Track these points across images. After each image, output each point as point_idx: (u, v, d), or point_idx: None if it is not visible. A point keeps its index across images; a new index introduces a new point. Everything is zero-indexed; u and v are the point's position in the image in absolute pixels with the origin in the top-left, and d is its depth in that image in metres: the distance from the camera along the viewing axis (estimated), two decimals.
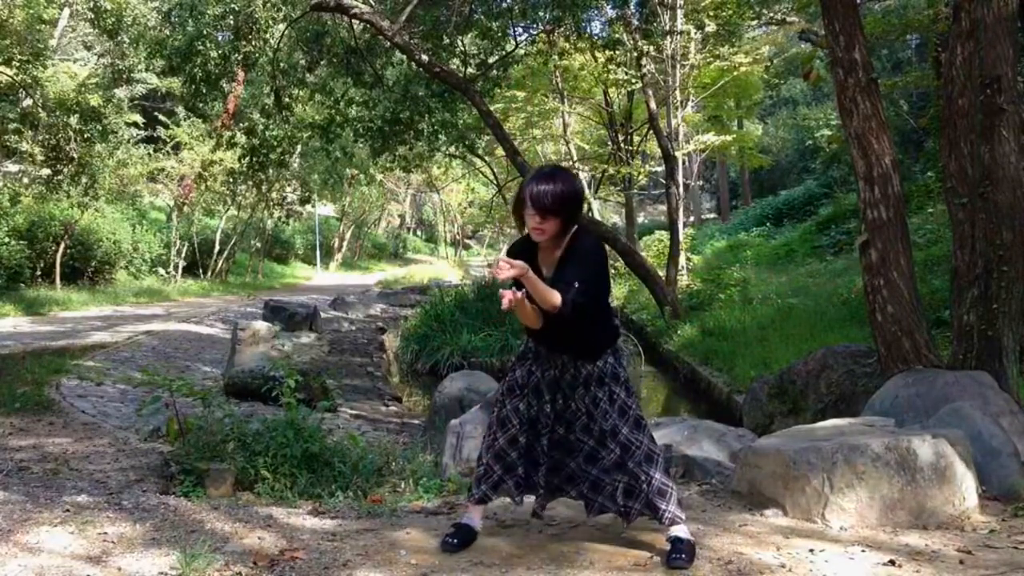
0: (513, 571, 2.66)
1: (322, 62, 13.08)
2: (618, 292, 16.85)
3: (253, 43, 10.72)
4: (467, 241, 48.13)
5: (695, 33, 14.89)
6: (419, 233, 50.61)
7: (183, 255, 19.88)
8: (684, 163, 17.39)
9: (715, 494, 3.63)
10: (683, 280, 14.32)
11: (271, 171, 16.31)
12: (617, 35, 13.98)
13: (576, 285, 2.62)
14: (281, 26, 11.01)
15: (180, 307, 15.64)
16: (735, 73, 16.74)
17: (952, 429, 3.45)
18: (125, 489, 3.65)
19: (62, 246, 15.64)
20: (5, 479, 3.76)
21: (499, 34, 12.37)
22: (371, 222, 39.12)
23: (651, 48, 14.25)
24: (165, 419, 4.90)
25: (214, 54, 10.44)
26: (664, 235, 17.92)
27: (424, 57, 11.02)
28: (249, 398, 7.06)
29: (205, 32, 10.38)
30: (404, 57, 12.21)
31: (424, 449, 4.71)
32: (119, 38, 15.95)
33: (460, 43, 12.29)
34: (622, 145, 18.79)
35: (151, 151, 19.49)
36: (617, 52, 14.25)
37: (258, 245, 24.76)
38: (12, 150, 15.90)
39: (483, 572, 2.65)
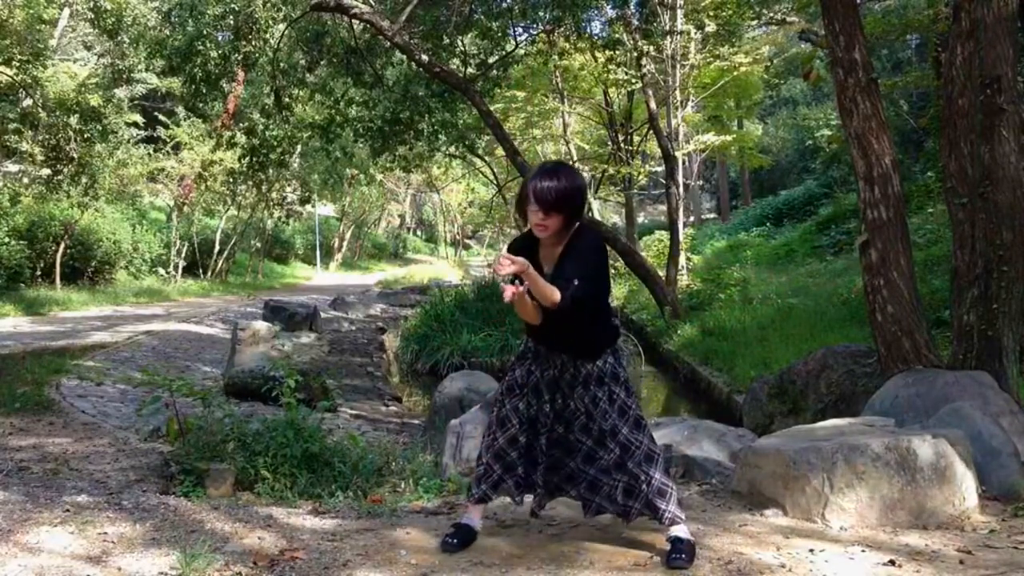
0: (513, 571, 2.66)
1: (322, 62, 13.08)
2: (618, 292, 16.85)
3: (253, 43, 10.72)
4: (467, 241, 48.13)
5: (695, 33, 14.89)
6: (419, 233, 50.62)
7: (183, 255, 19.88)
8: (684, 163, 17.39)
9: (715, 494, 3.63)
10: (683, 280, 14.32)
11: (271, 171, 16.31)
12: (617, 35, 13.98)
13: (576, 282, 2.62)
14: (281, 26, 11.01)
15: (180, 307, 15.64)
16: (735, 73, 16.74)
17: (952, 429, 3.45)
18: (125, 489, 3.65)
19: (62, 246, 15.65)
20: (5, 479, 3.76)
21: (499, 34, 12.37)
22: (371, 222, 39.13)
23: (651, 48, 14.25)
24: (165, 419, 4.89)
25: (214, 54, 10.44)
26: (664, 235, 17.92)
27: (424, 57, 11.02)
28: (249, 398, 7.06)
29: (205, 32, 10.38)
30: (404, 57, 12.21)
31: (424, 449, 4.71)
32: (119, 38, 15.96)
33: (460, 43, 12.29)
34: (622, 145, 18.80)
35: (151, 151, 19.50)
36: (617, 52, 14.25)
37: (258, 245, 24.76)
38: (12, 150, 15.90)
39: (483, 572, 2.65)
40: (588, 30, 14.84)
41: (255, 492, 3.68)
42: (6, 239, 14.41)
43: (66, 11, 18.84)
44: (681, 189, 15.02)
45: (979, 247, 4.53)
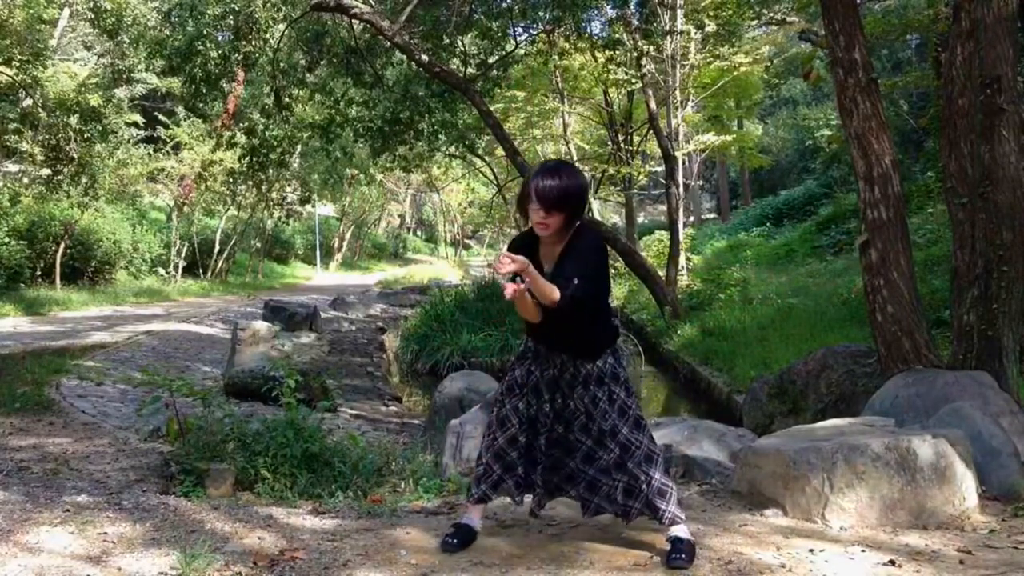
0: (513, 571, 2.66)
1: (322, 62, 13.08)
2: (618, 292, 16.85)
3: (253, 43, 10.72)
4: (467, 241, 48.13)
5: (695, 33, 14.89)
6: (419, 233, 50.62)
7: (183, 255, 19.88)
8: (684, 163, 17.39)
9: (715, 494, 3.63)
10: (683, 280, 14.32)
11: (271, 171, 16.31)
12: (617, 35, 13.98)
13: (575, 281, 2.62)
14: (281, 26, 11.01)
15: (180, 307, 15.64)
16: (735, 73, 16.74)
17: (952, 429, 3.45)
18: (125, 489, 3.65)
19: (62, 246, 15.65)
20: (5, 479, 3.76)
21: (499, 34, 12.37)
22: (371, 222, 39.13)
23: (651, 48, 14.25)
24: (165, 419, 4.89)
25: (214, 54, 10.44)
26: (664, 235, 17.92)
27: (424, 57, 11.02)
28: (249, 398, 7.06)
29: (205, 32, 10.38)
30: (404, 57, 12.21)
31: (424, 449, 4.71)
32: (119, 38, 15.95)
33: (460, 43, 12.29)
34: (622, 145, 18.80)
35: (151, 151, 19.49)
36: (617, 52, 14.25)
37: (258, 245, 24.76)
38: (12, 150, 15.90)
39: (483, 572, 2.65)
40: (588, 30, 14.86)
41: (255, 492, 3.68)
42: (6, 239, 14.41)
43: (66, 11, 18.84)
44: (681, 189, 15.02)
45: (979, 247, 4.53)
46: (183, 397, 4.31)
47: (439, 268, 31.58)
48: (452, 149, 18.18)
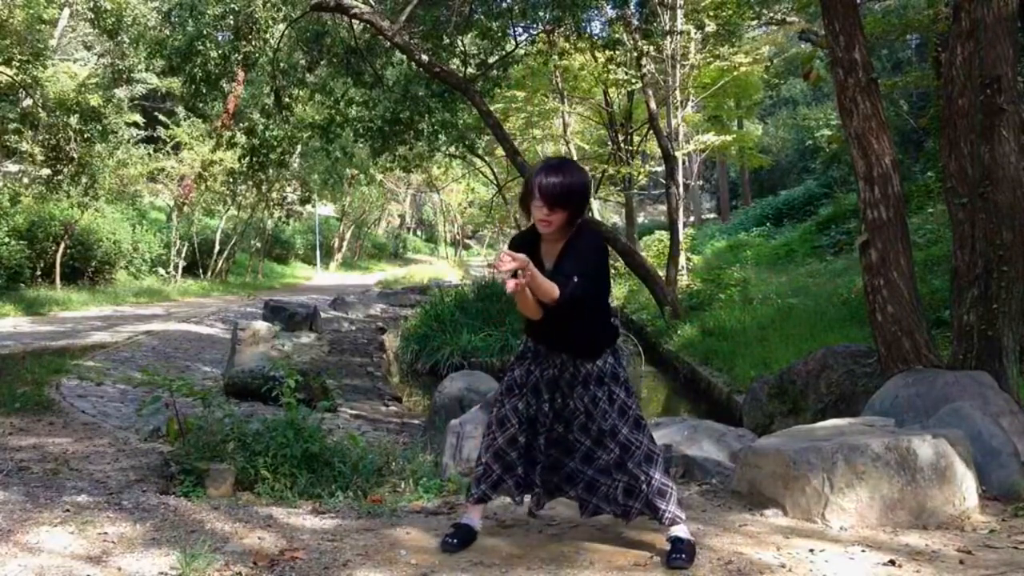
0: (513, 571, 2.66)
1: (322, 62, 13.08)
2: (618, 292, 16.85)
3: (253, 43, 10.72)
4: (467, 241, 48.15)
5: (695, 33, 14.89)
6: (419, 233, 50.62)
7: (183, 255, 19.88)
8: (684, 163, 17.39)
9: (715, 494, 3.63)
10: (683, 280, 14.32)
11: (271, 171, 16.31)
12: (617, 35, 13.97)
13: (575, 279, 2.62)
14: (281, 26, 11.01)
15: (180, 307, 15.64)
16: (735, 73, 16.75)
17: (952, 429, 3.45)
18: (125, 489, 3.65)
19: (62, 246, 15.65)
20: (5, 479, 3.75)
21: (499, 34, 12.37)
22: (371, 222, 39.13)
23: (651, 48, 14.25)
24: (165, 419, 4.89)
25: (214, 54, 10.44)
26: (664, 235, 17.92)
27: (424, 57, 11.02)
28: (249, 398, 7.06)
29: (205, 32, 10.38)
30: (404, 57, 12.21)
31: (424, 449, 4.71)
32: (119, 38, 15.94)
33: (460, 43, 12.29)
34: (622, 145, 18.80)
35: (151, 151, 19.50)
36: (617, 52, 14.25)
37: (258, 245, 24.76)
38: (12, 150, 15.90)
39: (483, 572, 2.65)
40: (588, 30, 14.85)
41: (255, 492, 3.68)
42: (6, 239, 14.41)
43: (66, 11, 18.84)
44: (681, 189, 15.02)
45: (979, 247, 4.53)
46: (183, 397, 4.31)
47: (439, 268, 31.58)
48: (452, 149, 18.19)
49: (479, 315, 11.84)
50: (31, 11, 14.48)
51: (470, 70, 12.40)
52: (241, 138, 13.20)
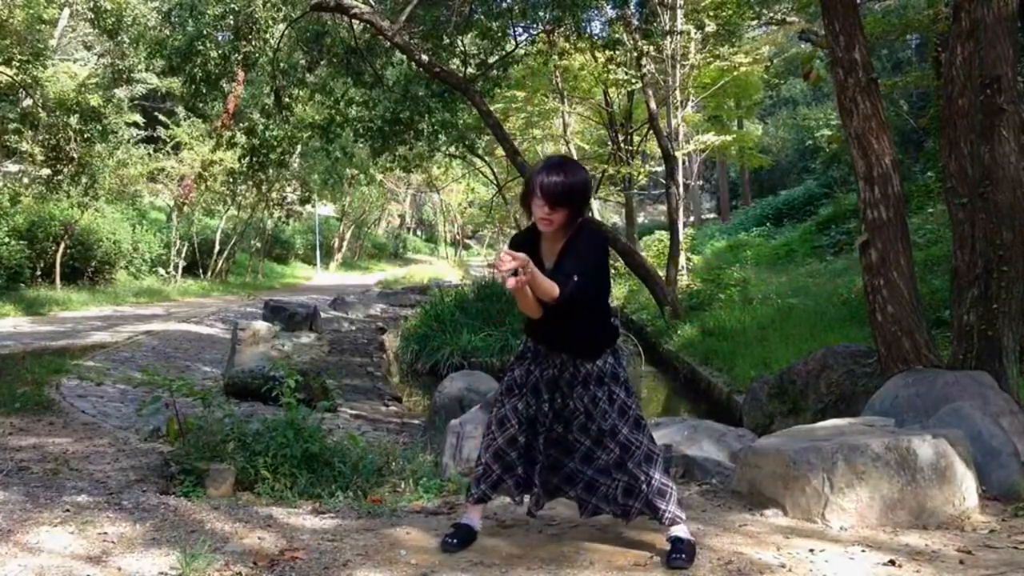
0: (513, 571, 2.66)
1: (322, 62, 13.08)
2: (618, 292, 16.85)
3: (253, 43, 10.72)
4: (467, 241, 48.16)
5: (695, 33, 14.89)
6: (419, 233, 50.63)
7: (183, 255, 19.88)
8: (684, 163, 17.39)
9: (715, 494, 3.63)
10: (683, 280, 14.32)
11: (271, 171, 16.31)
12: (617, 35, 13.97)
13: (575, 278, 2.62)
14: (281, 26, 11.01)
15: (180, 307, 15.64)
16: (735, 73, 16.75)
17: (952, 429, 3.45)
18: (125, 489, 3.65)
19: (62, 246, 15.65)
20: (5, 479, 3.75)
21: (499, 34, 12.36)
22: (371, 222, 39.13)
23: (651, 48, 14.25)
24: (165, 419, 4.89)
25: (214, 54, 10.44)
26: (664, 235, 17.92)
27: (424, 57, 11.02)
28: (249, 398, 7.06)
29: (205, 32, 10.38)
30: (404, 57, 12.21)
31: (424, 449, 4.71)
32: (119, 38, 15.95)
33: (460, 43, 12.29)
34: (622, 145, 18.79)
35: (151, 151, 19.50)
36: (617, 52, 14.25)
37: (258, 245, 24.76)
38: (12, 150, 15.90)
39: (483, 572, 2.65)
40: (588, 30, 14.85)
41: (255, 492, 3.68)
42: (6, 239, 14.41)
43: (66, 11, 18.84)
44: (681, 189, 15.02)
45: (979, 247, 4.53)
46: (183, 397, 4.31)
47: (439, 268, 31.59)
48: (452, 149, 18.18)
49: (479, 315, 11.84)
50: (31, 11, 14.48)
51: (470, 70, 12.40)
52: (241, 138, 13.20)
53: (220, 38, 11.09)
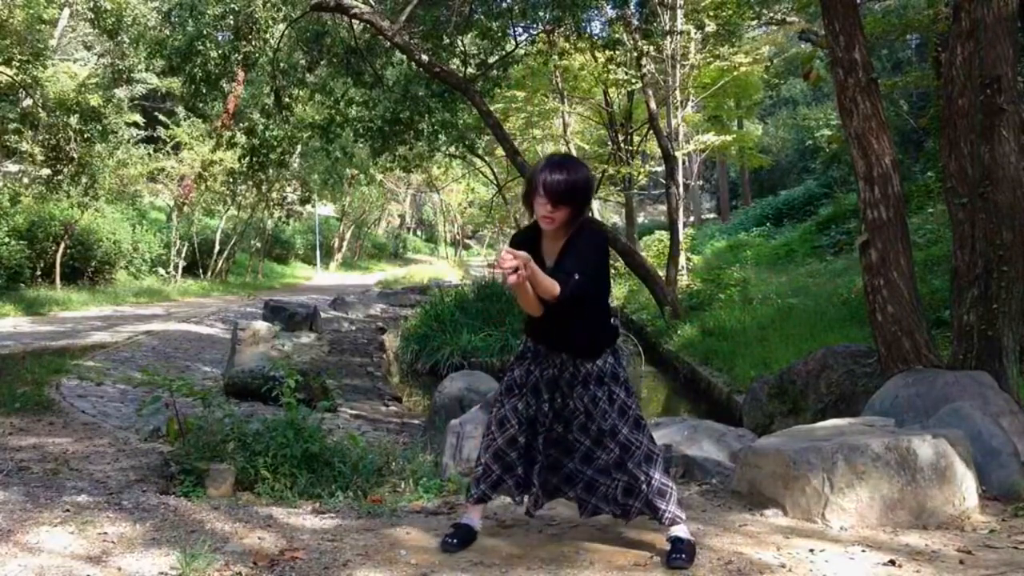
0: (513, 571, 2.66)
1: (322, 62, 13.08)
2: (618, 292, 16.85)
3: (253, 43, 10.72)
4: (467, 241, 48.16)
5: (695, 33, 14.89)
6: (419, 233, 50.63)
7: (183, 255, 19.88)
8: (684, 163, 17.39)
9: (715, 494, 3.63)
10: (683, 280, 14.32)
11: (271, 171, 16.31)
12: (617, 35, 13.98)
13: (576, 277, 2.62)
14: (281, 26, 11.01)
15: (180, 307, 15.64)
16: (735, 73, 16.75)
17: (952, 429, 3.45)
18: (125, 489, 3.65)
19: (62, 246, 15.65)
20: (5, 479, 3.75)
21: (499, 34, 12.37)
22: (371, 222, 39.13)
23: (651, 48, 14.25)
24: (165, 419, 4.89)
25: (214, 54, 10.44)
26: (664, 235, 17.92)
27: (424, 57, 11.02)
28: (249, 398, 7.06)
29: (205, 32, 10.38)
30: (404, 57, 12.21)
31: (424, 449, 4.71)
32: (119, 38, 15.94)
33: (460, 43, 12.29)
34: (622, 145, 18.79)
35: (151, 151, 19.50)
36: (617, 52, 14.25)
37: (258, 245, 24.77)
38: (12, 150, 15.90)
39: (483, 572, 2.65)
40: (588, 30, 14.85)
41: (255, 492, 3.68)
42: (6, 239, 14.41)
43: (66, 11, 18.84)
44: (681, 189, 15.02)
45: (979, 247, 4.53)
46: (183, 397, 4.31)
47: (439, 268, 31.59)
48: (452, 149, 18.19)
49: (479, 315, 11.84)
50: (31, 11, 14.48)
51: (470, 70, 12.40)
52: (241, 138, 13.20)
53: (220, 38, 11.09)
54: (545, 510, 3.07)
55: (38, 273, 15.60)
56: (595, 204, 19.40)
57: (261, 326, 8.81)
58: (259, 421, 4.15)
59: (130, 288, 17.25)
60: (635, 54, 14.09)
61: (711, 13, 14.40)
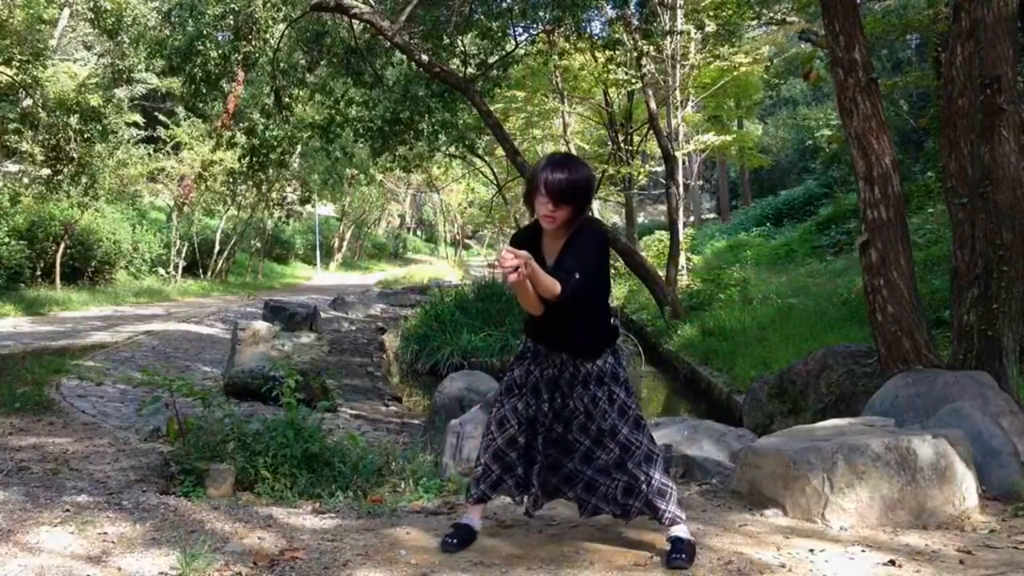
0: (513, 571, 2.66)
1: (322, 62, 13.08)
2: (618, 292, 16.85)
3: (253, 43, 10.72)
4: (467, 241, 48.16)
5: (695, 33, 14.89)
6: (419, 233, 50.63)
7: (183, 255, 19.88)
8: (684, 163, 17.39)
9: (715, 494, 3.63)
10: (683, 280, 14.32)
11: (271, 171, 16.32)
12: (617, 35, 13.98)
13: (576, 276, 2.63)
14: (281, 26, 11.01)
15: (180, 307, 15.64)
16: (735, 73, 16.75)
17: (952, 429, 3.45)
18: (125, 489, 3.65)
19: (62, 246, 15.65)
20: (5, 479, 3.75)
21: (499, 34, 12.37)
22: (371, 222, 39.13)
23: (651, 48, 14.25)
24: (165, 419, 4.89)
25: (214, 54, 10.44)
26: (664, 235, 17.92)
27: (424, 57, 11.02)
28: (249, 398, 7.06)
29: (205, 32, 10.38)
30: (404, 57, 12.21)
31: (424, 449, 4.71)
32: (119, 38, 15.94)
33: (460, 43, 12.29)
34: (622, 145, 18.79)
35: (151, 151, 19.50)
36: (617, 52, 14.25)
37: (258, 245, 24.77)
38: (12, 150, 15.90)
39: (483, 572, 2.65)
40: (588, 30, 14.85)
41: (255, 492, 3.68)
42: (6, 239, 14.41)
43: (66, 11, 18.84)
44: (681, 189, 15.02)
45: (979, 247, 4.53)
46: (183, 397, 4.31)
47: (439, 268, 31.59)
48: (452, 149, 18.19)
49: (479, 315, 11.84)
50: (31, 11, 14.48)
51: (470, 70, 12.40)
52: (241, 138, 13.20)
53: (220, 38, 11.10)
54: (545, 510, 3.07)
55: (38, 273, 15.60)
56: (595, 204, 19.39)
57: (261, 326, 8.81)
58: (259, 421, 4.15)
59: (130, 288, 17.25)
60: (635, 54, 14.09)
61: (711, 13, 14.40)
